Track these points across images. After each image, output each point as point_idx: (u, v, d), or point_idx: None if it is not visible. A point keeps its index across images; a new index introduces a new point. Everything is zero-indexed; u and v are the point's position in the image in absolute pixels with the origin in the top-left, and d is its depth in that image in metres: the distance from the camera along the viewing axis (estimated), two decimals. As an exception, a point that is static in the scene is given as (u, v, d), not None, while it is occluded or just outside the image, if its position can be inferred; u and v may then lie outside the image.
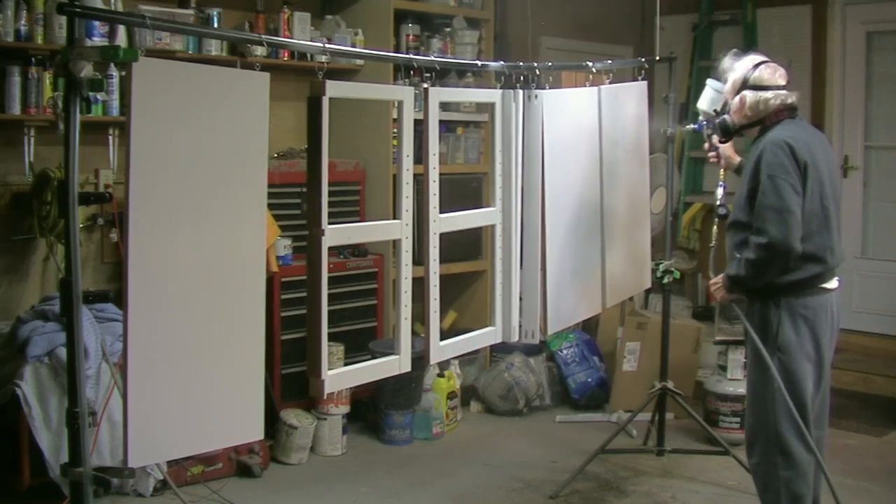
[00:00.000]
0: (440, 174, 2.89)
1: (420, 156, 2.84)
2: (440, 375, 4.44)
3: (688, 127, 3.65)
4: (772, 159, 2.87)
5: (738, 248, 3.02)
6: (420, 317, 2.95)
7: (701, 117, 3.40)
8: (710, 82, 3.38)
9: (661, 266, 4.03)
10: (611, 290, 3.74)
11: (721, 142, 3.31)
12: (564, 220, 3.37)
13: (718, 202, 3.27)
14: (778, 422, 2.93)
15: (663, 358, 4.11)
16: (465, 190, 4.67)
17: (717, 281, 3.09)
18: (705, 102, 3.34)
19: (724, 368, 4.44)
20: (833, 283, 3.00)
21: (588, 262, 3.58)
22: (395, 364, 2.77)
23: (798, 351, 2.93)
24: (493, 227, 3.18)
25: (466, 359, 4.73)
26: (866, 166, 5.70)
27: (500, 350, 4.82)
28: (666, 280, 4.03)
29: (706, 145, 3.38)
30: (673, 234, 4.40)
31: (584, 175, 3.53)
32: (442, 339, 2.96)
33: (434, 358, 2.93)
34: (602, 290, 3.69)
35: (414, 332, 2.91)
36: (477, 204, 4.23)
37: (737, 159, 3.31)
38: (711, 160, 3.39)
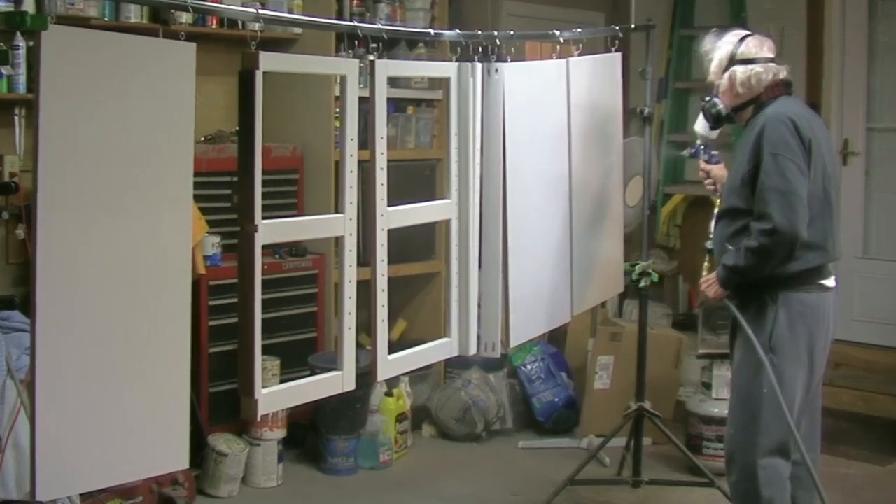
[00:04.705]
0: (388, 161, 3.01)
1: (366, 139, 2.96)
2: (388, 395, 4.57)
3: (684, 152, 3.87)
4: (775, 136, 3.09)
5: (731, 239, 3.22)
6: (366, 326, 3.08)
7: (698, 141, 3.61)
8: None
9: (636, 267, 4.20)
10: (580, 296, 3.92)
11: (705, 161, 3.56)
12: (529, 214, 3.53)
13: (711, 236, 3.47)
14: (764, 432, 3.13)
15: (640, 374, 4.27)
16: (417, 179, 4.82)
17: (709, 278, 3.30)
18: (701, 124, 3.53)
19: (708, 386, 4.63)
20: (831, 281, 3.23)
21: (555, 263, 3.76)
22: (338, 381, 2.90)
23: (791, 352, 3.15)
24: (448, 221, 3.33)
25: (418, 375, 4.88)
26: (868, 151, 5.82)
27: (455, 365, 4.99)
28: (643, 283, 4.21)
29: (701, 173, 3.62)
30: (650, 231, 4.58)
31: (551, 162, 3.70)
32: (390, 352, 3.08)
33: (382, 374, 3.07)
34: (570, 296, 3.86)
35: (359, 345, 3.04)
36: (430, 195, 4.36)
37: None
38: (708, 186, 3.63)
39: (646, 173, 4.35)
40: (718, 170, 3.58)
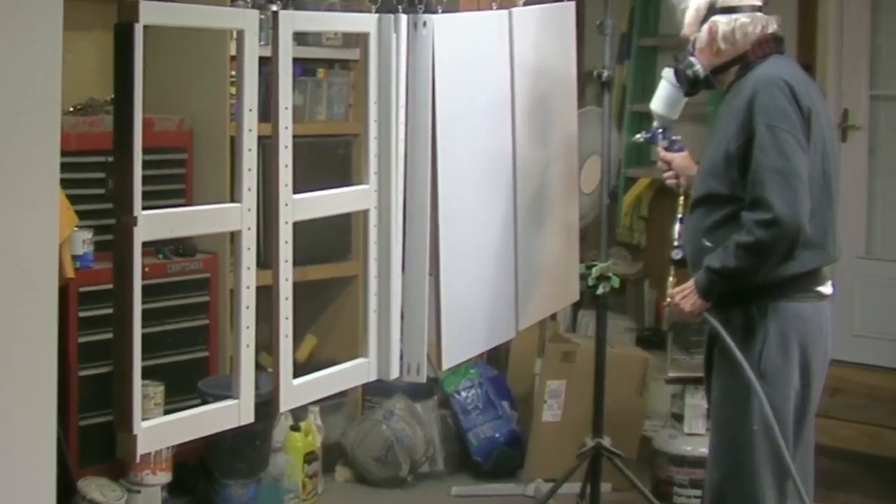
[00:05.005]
0: (295, 137, 3.09)
1: (268, 110, 3.05)
2: (294, 429, 4.70)
3: (637, 137, 4.02)
4: (770, 103, 3.23)
5: (710, 233, 3.35)
6: (267, 343, 3.16)
7: (656, 123, 3.78)
8: (666, 73, 3.74)
9: (593, 270, 4.38)
10: (526, 306, 4.06)
11: (664, 148, 3.70)
12: (464, 204, 3.64)
13: (676, 243, 3.65)
14: (757, 477, 3.27)
15: (597, 404, 4.45)
16: (329, 159, 4.96)
17: (685, 287, 3.42)
18: (662, 102, 3.73)
19: (679, 419, 4.84)
20: (828, 288, 3.40)
21: (497, 265, 3.89)
22: (233, 412, 2.97)
23: (784, 379, 3.30)
24: (366, 212, 3.41)
25: (330, 405, 4.99)
26: (872, 125, 6.00)
27: (376, 392, 5.14)
28: (601, 290, 4.40)
29: (660, 163, 3.78)
30: (610, 225, 4.81)
31: (491, 138, 3.84)
32: (297, 375, 3.16)
33: (286, 403, 3.14)
34: (515, 306, 4.00)
35: (259, 366, 3.15)
36: (345, 179, 4.45)
37: (696, 170, 3.64)
38: (668, 182, 3.77)
39: (605, 152, 4.48)
40: (682, 159, 3.72)
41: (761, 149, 3.20)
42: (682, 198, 3.73)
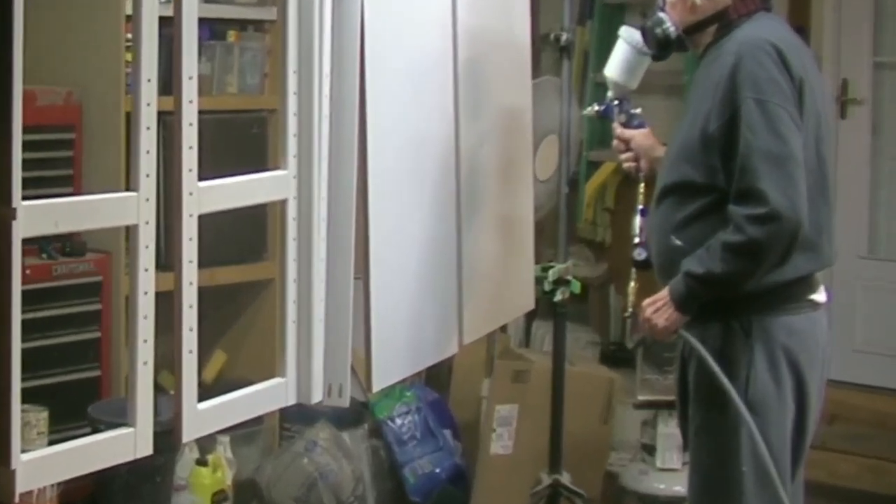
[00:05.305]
0: (201, 112, 3.14)
1: (170, 81, 3.10)
2: (201, 463, 4.73)
3: (588, 110, 4.05)
4: (757, 72, 3.25)
5: (680, 230, 3.37)
6: (169, 360, 3.20)
7: (610, 93, 3.82)
8: (624, 32, 3.81)
9: (550, 273, 4.49)
10: (472, 316, 4.13)
11: (622, 124, 3.73)
12: (399, 195, 3.72)
13: (636, 240, 3.69)
14: None
15: (554, 433, 4.56)
16: (242, 140, 5.03)
17: (658, 298, 3.43)
18: (618, 68, 3.76)
19: (651, 451, 4.94)
20: (822, 295, 3.47)
21: (437, 268, 3.97)
22: (129, 443, 3.01)
23: (778, 410, 3.34)
24: (283, 203, 3.47)
25: (243, 433, 5.02)
26: (876, 99, 6.10)
27: (296, 419, 5.19)
28: (559, 297, 4.52)
29: (616, 142, 3.80)
30: (570, 218, 4.86)
31: (431, 116, 3.92)
32: (203, 398, 3.21)
33: (190, 432, 3.19)
34: (458, 316, 4.08)
35: (159, 388, 3.20)
36: (259, 164, 4.38)
37: (661, 150, 3.71)
38: (626, 165, 3.80)
39: (563, 132, 4.56)
40: (642, 137, 3.76)
41: (750, 129, 3.22)
42: (642, 185, 3.79)
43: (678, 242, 3.37)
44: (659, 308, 3.40)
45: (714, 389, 3.31)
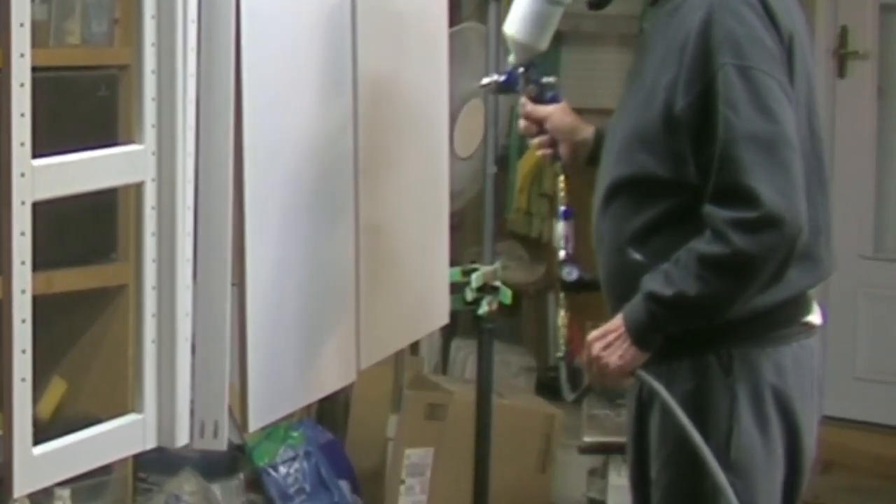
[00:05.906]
0: (35, 69, 3.23)
1: None
2: None
3: (484, 81, 4.06)
4: (736, 29, 3.26)
5: (637, 242, 3.43)
6: None
7: (512, 57, 3.84)
8: None
9: (474, 277, 4.69)
10: (371, 335, 4.29)
11: (531, 98, 3.77)
12: (282, 176, 3.88)
13: (562, 255, 3.76)
14: None
15: (479, 485, 4.73)
16: (85, 105, 5.13)
17: (609, 330, 3.46)
18: (520, 22, 3.74)
19: None
20: (816, 316, 3.60)
21: (329, 275, 4.14)
22: None
23: (766, 470, 3.43)
24: (140, 188, 3.59)
25: (88, 485, 5.11)
26: (883, 51, 6.32)
27: (154, 467, 5.33)
28: (485, 308, 4.73)
29: (522, 122, 3.83)
30: (499, 206, 5.06)
31: (321, 78, 4.08)
32: (39, 440, 3.32)
33: (23, 484, 3.30)
34: (355, 336, 4.24)
35: None
36: (108, 137, 4.51)
37: (587, 131, 3.84)
38: (539, 152, 3.86)
39: (490, 95, 4.68)
40: (560, 114, 3.81)
41: (730, 105, 3.22)
42: (562, 178, 3.85)
43: (637, 256, 3.43)
44: (610, 343, 3.43)
45: (685, 444, 3.31)
